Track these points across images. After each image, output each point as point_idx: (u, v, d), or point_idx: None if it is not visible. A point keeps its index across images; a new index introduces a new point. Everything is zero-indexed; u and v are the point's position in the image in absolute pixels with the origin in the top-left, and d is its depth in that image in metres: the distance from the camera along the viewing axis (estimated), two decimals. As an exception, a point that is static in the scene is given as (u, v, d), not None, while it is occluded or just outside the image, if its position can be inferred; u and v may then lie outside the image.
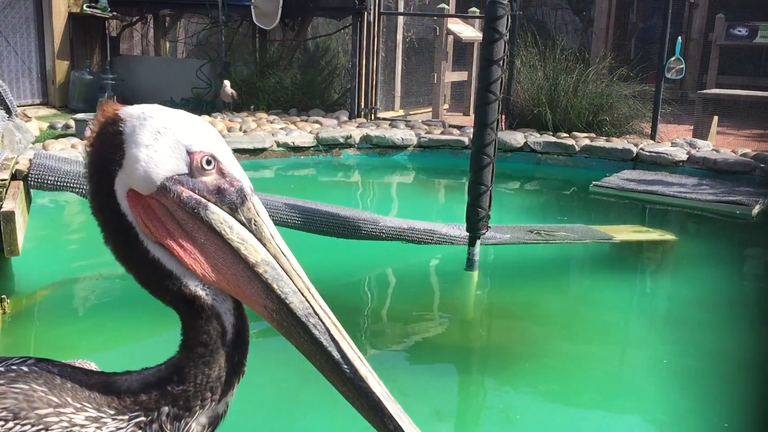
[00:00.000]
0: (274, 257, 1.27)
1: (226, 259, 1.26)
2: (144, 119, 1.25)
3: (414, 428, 1.26)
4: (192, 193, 1.25)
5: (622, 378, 3.62)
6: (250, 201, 1.28)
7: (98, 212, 1.30)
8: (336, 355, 1.25)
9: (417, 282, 4.82)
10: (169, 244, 1.26)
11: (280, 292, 1.26)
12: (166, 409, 1.24)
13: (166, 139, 1.24)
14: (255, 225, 1.28)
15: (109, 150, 1.25)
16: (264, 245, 1.27)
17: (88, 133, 1.30)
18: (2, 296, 3.74)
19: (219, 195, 1.26)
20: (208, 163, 1.25)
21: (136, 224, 1.27)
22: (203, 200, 1.25)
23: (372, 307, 4.34)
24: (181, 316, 1.28)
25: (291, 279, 1.27)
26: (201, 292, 1.25)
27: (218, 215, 1.26)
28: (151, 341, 3.56)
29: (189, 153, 1.25)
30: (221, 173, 1.27)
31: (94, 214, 1.31)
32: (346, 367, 1.25)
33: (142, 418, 1.24)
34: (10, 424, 1.14)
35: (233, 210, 1.27)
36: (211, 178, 1.26)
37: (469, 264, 4.57)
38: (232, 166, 1.29)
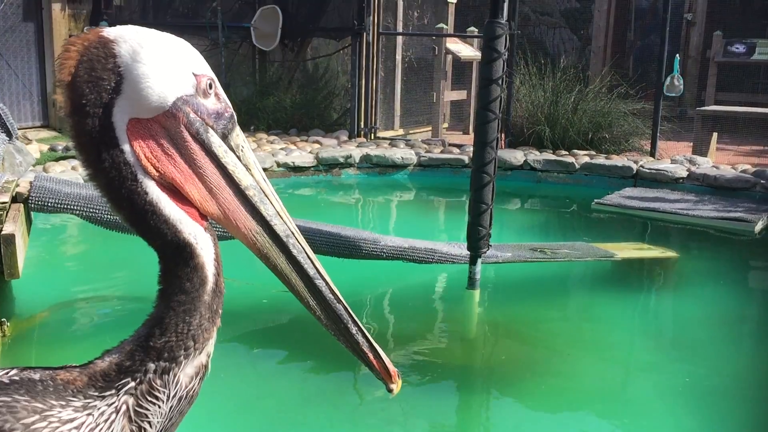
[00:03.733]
0: (257, 183, 1.32)
1: (220, 183, 1.28)
2: (143, 38, 1.22)
3: (371, 339, 1.33)
4: (196, 116, 1.26)
5: (626, 397, 3.60)
6: (237, 128, 1.32)
7: (89, 148, 1.22)
8: (312, 271, 1.32)
9: (418, 301, 4.80)
10: (169, 172, 1.25)
11: (265, 214, 1.30)
12: (152, 365, 1.22)
13: (173, 59, 1.23)
14: (241, 151, 1.31)
15: (102, 77, 1.19)
16: (249, 171, 1.31)
17: (61, 67, 1.20)
18: (2, 319, 3.72)
19: (216, 120, 1.28)
20: (210, 87, 1.27)
21: (134, 162, 1.22)
22: (205, 124, 1.27)
23: (373, 327, 4.31)
24: (164, 263, 1.26)
25: (271, 203, 1.32)
26: (192, 240, 1.25)
27: (216, 139, 1.28)
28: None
29: (194, 74, 1.25)
30: (218, 98, 1.29)
31: (81, 151, 1.23)
32: (320, 281, 1.32)
33: (131, 384, 1.21)
34: None
35: (225, 136, 1.30)
36: (210, 102, 1.28)
37: (471, 283, 4.55)
38: (223, 92, 1.32)
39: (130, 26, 1.25)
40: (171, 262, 1.25)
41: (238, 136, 1.31)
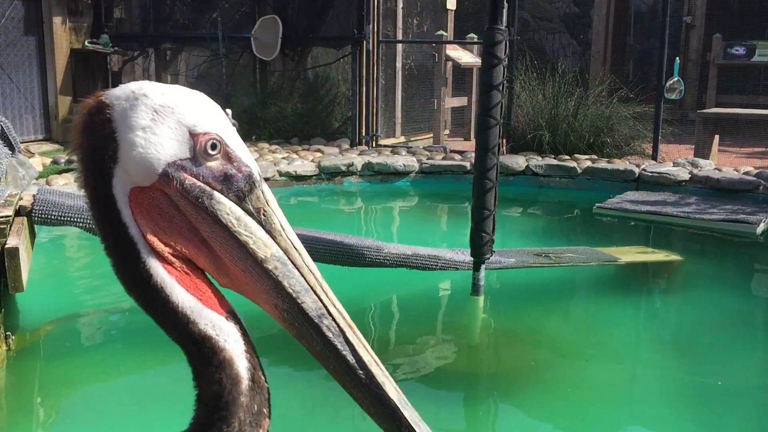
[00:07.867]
0: (285, 251, 1.16)
1: (233, 255, 1.14)
2: (136, 99, 1.11)
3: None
4: (196, 180, 1.12)
5: (632, 403, 3.58)
6: (258, 189, 1.16)
7: (98, 221, 1.14)
8: (351, 359, 1.16)
9: (422, 308, 4.79)
10: (177, 244, 1.13)
11: (291, 290, 1.15)
12: None
13: (166, 120, 1.11)
14: (264, 215, 1.16)
15: (99, 144, 1.10)
16: (274, 238, 1.16)
17: (72, 134, 1.15)
18: (7, 333, 3.72)
19: (225, 182, 1.13)
20: (213, 147, 1.12)
21: (138, 239, 1.12)
22: (208, 188, 1.12)
23: (378, 335, 4.31)
24: (189, 360, 1.13)
25: (303, 275, 1.16)
26: (211, 332, 1.11)
27: (224, 205, 1.13)
28: (157, 377, 3.53)
29: (192, 135, 1.12)
30: (228, 158, 1.14)
31: (96, 223, 1.15)
32: (361, 372, 1.16)
33: None
34: None
35: (240, 199, 1.14)
36: (216, 164, 1.13)
37: (475, 289, 4.54)
38: (240, 149, 1.16)
39: (132, 84, 1.15)
40: (195, 359, 1.12)
41: (258, 198, 1.15)
